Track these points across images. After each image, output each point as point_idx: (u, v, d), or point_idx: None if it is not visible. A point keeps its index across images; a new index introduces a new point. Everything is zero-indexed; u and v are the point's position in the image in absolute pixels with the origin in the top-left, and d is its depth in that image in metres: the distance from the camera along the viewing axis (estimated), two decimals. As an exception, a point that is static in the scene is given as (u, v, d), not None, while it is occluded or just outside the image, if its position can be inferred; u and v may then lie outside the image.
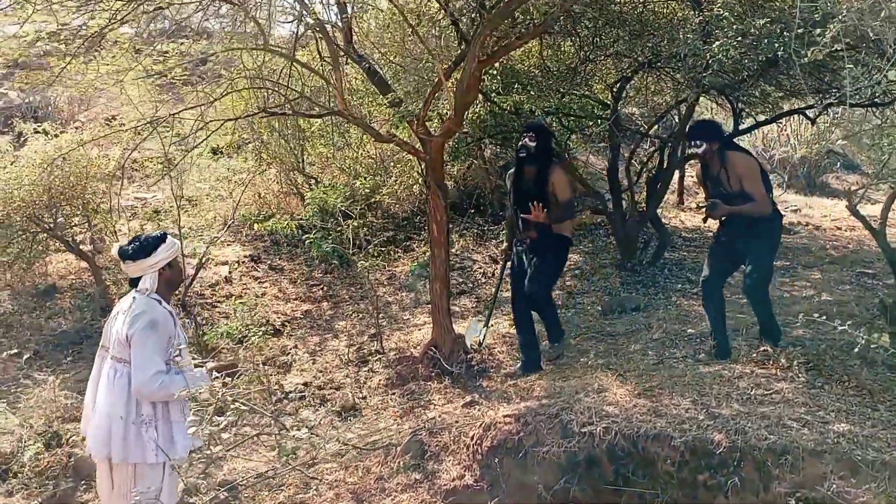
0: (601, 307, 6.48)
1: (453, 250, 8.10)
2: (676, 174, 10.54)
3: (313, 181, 8.11)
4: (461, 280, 7.53)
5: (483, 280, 7.60)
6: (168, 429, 3.23)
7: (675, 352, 5.02)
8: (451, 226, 8.64)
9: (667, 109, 7.30)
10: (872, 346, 2.46)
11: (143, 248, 3.28)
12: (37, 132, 6.83)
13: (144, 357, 3.16)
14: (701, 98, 8.52)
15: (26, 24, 4.12)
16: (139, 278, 3.28)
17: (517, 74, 6.62)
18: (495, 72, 6.37)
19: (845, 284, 6.29)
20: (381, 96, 5.49)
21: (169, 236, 3.42)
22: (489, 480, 4.10)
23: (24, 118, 9.44)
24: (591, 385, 4.56)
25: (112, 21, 3.86)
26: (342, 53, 5.41)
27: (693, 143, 4.68)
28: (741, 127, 7.72)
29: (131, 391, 3.19)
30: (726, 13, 5.30)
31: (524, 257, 5.07)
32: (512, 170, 5.15)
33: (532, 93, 6.42)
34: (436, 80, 5.10)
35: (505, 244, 5.58)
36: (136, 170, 8.78)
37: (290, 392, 5.66)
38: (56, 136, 6.57)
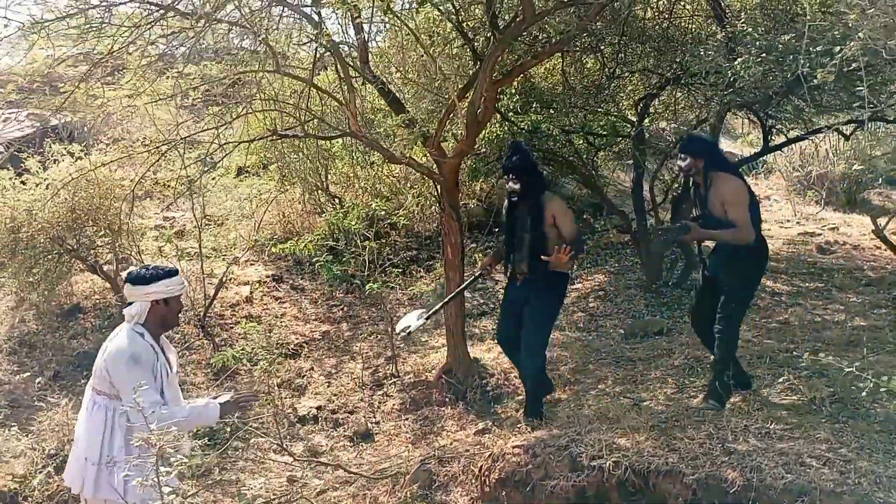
0: (623, 330, 6.31)
1: (476, 270, 8.00)
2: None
3: (336, 201, 8.10)
4: (482, 301, 7.42)
5: (505, 301, 7.48)
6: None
7: (695, 380, 4.84)
8: (474, 245, 8.60)
9: (692, 127, 7.12)
10: (882, 388, 2.28)
11: (146, 275, 3.24)
12: (62, 154, 6.93)
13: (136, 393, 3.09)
14: (731, 114, 8.34)
15: (39, 49, 4.18)
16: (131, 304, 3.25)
17: (539, 93, 6.52)
18: (514, 91, 6.28)
19: (881, 308, 6.01)
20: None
21: (179, 275, 3.36)
22: (496, 514, 3.98)
23: (61, 139, 9.64)
24: (606, 415, 4.41)
25: (113, 49, 3.89)
26: (357, 74, 5.39)
27: (679, 155, 4.33)
28: (771, 143, 7.49)
29: (106, 424, 3.15)
30: (750, 29, 5.15)
31: (515, 296, 4.70)
32: (505, 205, 4.70)
33: (552, 111, 6.31)
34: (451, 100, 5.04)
35: (486, 259, 5.05)
36: (160, 190, 8.88)
37: (304, 416, 5.61)
38: (79, 157, 6.65)
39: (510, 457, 4.15)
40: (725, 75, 5.05)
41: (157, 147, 4.94)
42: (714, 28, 6.32)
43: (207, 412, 3.27)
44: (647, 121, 7.40)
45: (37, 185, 6.57)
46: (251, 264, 8.02)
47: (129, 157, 5.47)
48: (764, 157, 8.82)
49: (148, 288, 3.23)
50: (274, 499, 4.60)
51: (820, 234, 8.90)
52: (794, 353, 5.05)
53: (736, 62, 4.78)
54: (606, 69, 6.89)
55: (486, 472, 4.19)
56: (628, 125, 7.45)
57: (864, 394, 3.03)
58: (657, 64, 6.66)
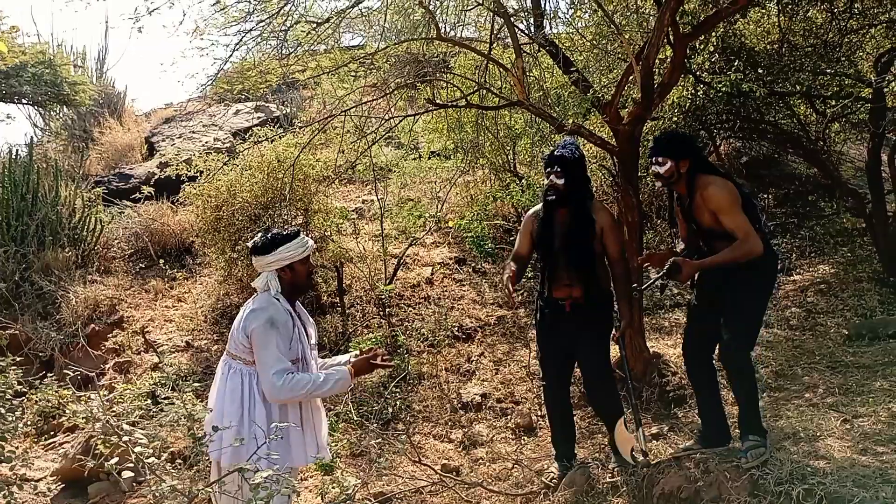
0: (847, 331, 5.27)
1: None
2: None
3: (522, 181, 7.73)
4: (680, 290, 6.65)
5: (705, 291, 6.63)
6: (285, 434, 3.04)
7: (933, 395, 3.84)
8: (675, 229, 7.78)
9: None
10: None
11: (266, 243, 3.12)
12: (264, 139, 7.29)
13: (266, 358, 3.00)
14: None
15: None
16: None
17: (745, 50, 5.62)
18: (713, 47, 5.46)
19: None
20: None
21: (301, 235, 3.21)
22: (654, 535, 3.41)
23: (282, 127, 10.27)
24: (807, 430, 3.64)
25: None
26: (530, 39, 5.00)
27: (654, 160, 3.46)
28: None
29: (244, 391, 3.07)
30: None
31: (564, 329, 3.89)
32: (537, 211, 3.90)
33: (759, 71, 5.40)
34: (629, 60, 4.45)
35: (509, 286, 3.79)
36: (346, 172, 9.06)
37: (468, 402, 5.34)
38: (271, 141, 6.95)
39: (677, 470, 3.55)
40: None
41: (321, 121, 4.91)
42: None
43: (337, 379, 3.09)
44: (891, 82, 6.15)
45: (241, 168, 6.96)
46: (437, 246, 7.92)
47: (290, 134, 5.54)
48: None
49: (269, 257, 3.10)
50: (425, 486, 4.38)
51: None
52: None
53: None
54: (837, 22, 5.82)
55: (649, 485, 3.63)
56: (865, 88, 6.22)
57: None
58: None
